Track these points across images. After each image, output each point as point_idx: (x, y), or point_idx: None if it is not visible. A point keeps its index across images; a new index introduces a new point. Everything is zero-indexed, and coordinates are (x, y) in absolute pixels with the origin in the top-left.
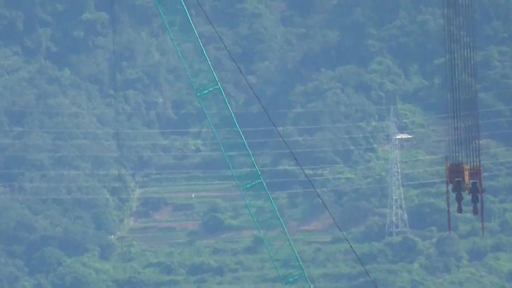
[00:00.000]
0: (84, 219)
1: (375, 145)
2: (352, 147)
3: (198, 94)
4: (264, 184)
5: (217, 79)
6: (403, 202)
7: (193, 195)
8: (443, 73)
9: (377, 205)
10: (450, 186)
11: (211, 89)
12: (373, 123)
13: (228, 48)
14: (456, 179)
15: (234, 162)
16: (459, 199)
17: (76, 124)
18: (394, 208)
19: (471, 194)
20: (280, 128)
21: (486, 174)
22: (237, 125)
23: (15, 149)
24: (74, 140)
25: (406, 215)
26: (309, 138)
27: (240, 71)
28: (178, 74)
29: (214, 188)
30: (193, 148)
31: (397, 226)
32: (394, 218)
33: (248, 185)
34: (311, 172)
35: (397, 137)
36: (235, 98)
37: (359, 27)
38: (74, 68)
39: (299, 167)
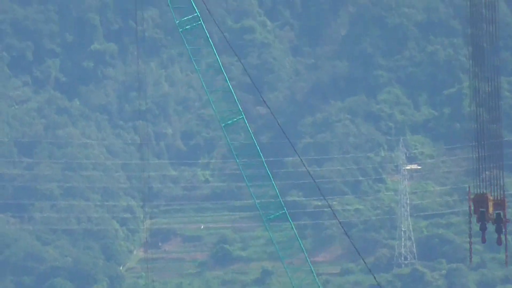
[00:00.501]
0: (94, 250)
1: (384, 176)
2: (361, 178)
3: (223, 125)
4: (288, 214)
5: (241, 109)
6: (412, 233)
7: (202, 226)
8: (452, 104)
9: (386, 237)
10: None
11: (235, 119)
12: (382, 154)
13: (237, 79)
14: (480, 210)
15: (256, 192)
16: (483, 229)
17: (86, 154)
18: (403, 239)
19: (495, 225)
20: (289, 159)
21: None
22: (261, 155)
23: (24, 180)
24: (83, 170)
25: (415, 246)
26: (318, 168)
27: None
28: (187, 105)
29: (223, 219)
30: (202, 179)
31: (406, 258)
32: (403, 250)
33: (272, 216)
34: (319, 203)
35: (406, 168)
36: (244, 128)
37: (368, 58)
38: (83, 98)
39: (308, 198)
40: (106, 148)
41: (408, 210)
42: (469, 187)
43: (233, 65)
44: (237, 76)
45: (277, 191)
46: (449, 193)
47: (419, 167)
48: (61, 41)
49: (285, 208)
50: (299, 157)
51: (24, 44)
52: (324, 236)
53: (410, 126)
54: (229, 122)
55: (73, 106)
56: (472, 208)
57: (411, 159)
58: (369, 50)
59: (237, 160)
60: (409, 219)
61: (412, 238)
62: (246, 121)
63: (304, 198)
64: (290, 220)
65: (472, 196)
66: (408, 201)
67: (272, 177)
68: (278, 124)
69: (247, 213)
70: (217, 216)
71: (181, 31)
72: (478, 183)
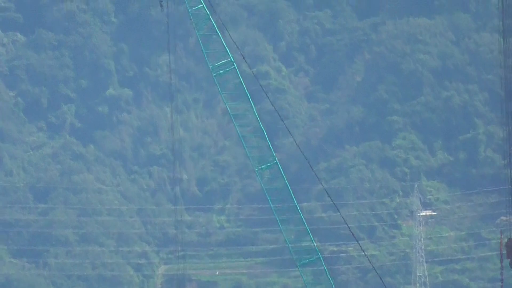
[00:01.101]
0: None
1: (399, 222)
2: (376, 224)
3: (256, 169)
4: (322, 258)
5: (274, 155)
6: (427, 279)
7: (218, 272)
8: (467, 149)
9: (401, 282)
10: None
11: (269, 164)
12: (397, 200)
13: (252, 125)
14: None
15: (290, 236)
16: None
17: (100, 200)
18: (418, 285)
19: None
20: (303, 204)
21: None
22: (294, 199)
23: (39, 226)
24: (98, 216)
25: None
26: (333, 214)
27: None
28: (202, 151)
29: (239, 265)
30: (217, 224)
31: None
32: None
33: (306, 260)
34: (335, 249)
35: (421, 213)
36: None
37: (383, 103)
38: (98, 144)
39: (323, 243)
40: (121, 194)
41: (423, 255)
42: (501, 231)
43: (248, 110)
44: (252, 122)
45: (311, 235)
46: (464, 239)
47: (434, 213)
48: (76, 87)
49: (319, 253)
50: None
51: (39, 89)
52: (340, 281)
53: (425, 171)
54: (262, 166)
55: (88, 152)
56: (504, 252)
57: (426, 205)
58: (384, 95)
59: (272, 205)
60: (424, 264)
61: (427, 283)
62: (280, 165)
63: (319, 243)
64: (323, 264)
65: (504, 241)
66: (423, 247)
67: (287, 222)
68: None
69: (262, 259)
70: (232, 262)
71: (214, 75)
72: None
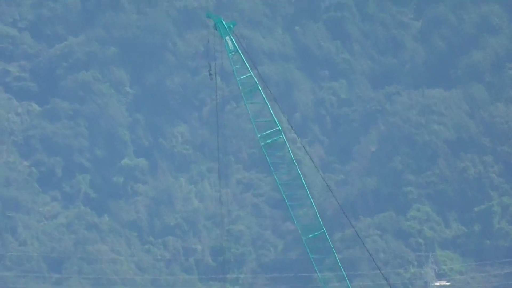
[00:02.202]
0: None
1: None
2: None
3: (304, 238)
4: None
5: (322, 224)
6: None
7: None
8: (482, 221)
9: None
10: None
11: (316, 233)
12: (412, 270)
13: (267, 194)
14: None
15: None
16: None
17: (115, 270)
18: None
19: None
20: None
21: None
22: (342, 269)
23: None
24: (112, 286)
25: None
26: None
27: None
28: (216, 220)
29: None
30: None
31: None
32: None
33: None
34: None
35: (436, 284)
36: (273, 244)
37: (398, 174)
38: (113, 214)
39: None
40: (135, 264)
41: None
42: None
43: (262, 180)
44: (266, 191)
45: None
46: None
47: (449, 283)
48: (91, 157)
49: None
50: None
51: (53, 159)
52: None
53: (440, 242)
54: (310, 235)
55: (102, 222)
56: None
57: (440, 276)
58: (399, 166)
59: (319, 276)
60: None
61: None
62: (327, 235)
63: None
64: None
65: None
66: None
67: None
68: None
69: None
70: None
71: (262, 145)
72: None
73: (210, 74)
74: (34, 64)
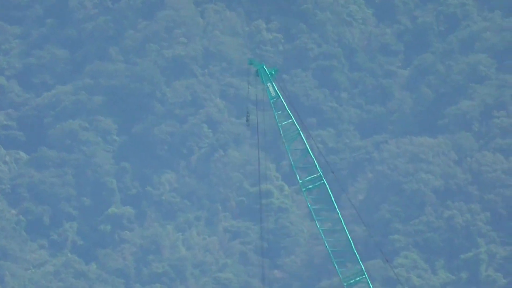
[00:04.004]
0: None
1: None
2: None
3: (345, 284)
4: (368, 278)
5: (363, 268)
6: None
7: None
8: (469, 268)
9: None
10: None
11: (358, 278)
12: None
13: (254, 243)
14: None
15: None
16: None
17: None
18: None
19: None
20: None
21: None
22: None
23: None
24: None
25: None
26: None
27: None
28: (203, 268)
29: None
30: None
31: None
32: None
33: (352, 280)
34: None
35: None
36: None
37: (385, 223)
38: (100, 262)
39: None
40: None
41: None
42: None
43: (249, 229)
44: (254, 239)
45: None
46: None
47: None
48: (78, 205)
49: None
50: None
51: (40, 208)
52: None
53: None
54: (351, 281)
55: (90, 270)
56: None
57: None
58: (386, 215)
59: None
60: None
61: None
62: (369, 281)
63: None
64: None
65: None
66: None
67: None
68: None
69: None
70: None
71: (304, 190)
72: None
73: (247, 120)
74: (22, 113)
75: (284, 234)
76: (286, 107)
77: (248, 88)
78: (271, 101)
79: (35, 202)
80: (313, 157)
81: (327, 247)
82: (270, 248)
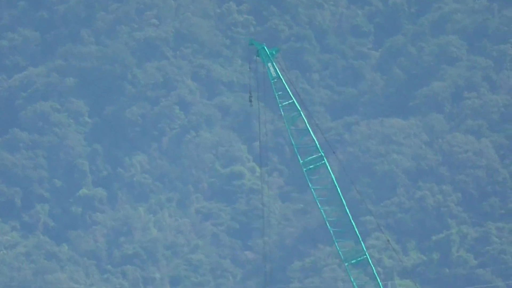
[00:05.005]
0: None
1: None
2: None
3: (346, 264)
4: (369, 257)
5: (365, 249)
6: None
7: None
8: (440, 249)
9: None
10: None
11: (359, 258)
12: None
13: (226, 224)
14: None
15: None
16: None
17: None
18: None
19: None
20: None
21: None
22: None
23: None
24: None
25: None
26: None
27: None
28: (175, 250)
29: None
30: None
31: None
32: None
33: (354, 260)
34: None
35: None
36: (232, 273)
37: (357, 204)
38: (72, 243)
39: None
40: None
41: None
42: None
43: (221, 210)
44: (226, 221)
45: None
46: None
47: None
48: (50, 187)
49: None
50: None
51: (12, 190)
52: None
53: (399, 271)
54: (353, 261)
55: (61, 251)
56: None
57: None
58: (357, 196)
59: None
60: None
61: None
62: (370, 260)
63: None
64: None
65: None
66: None
67: None
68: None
69: None
70: None
71: (305, 170)
72: None
73: (250, 101)
74: None
75: (256, 215)
76: (287, 87)
77: (250, 69)
78: (272, 81)
79: (7, 184)
80: (314, 137)
81: (330, 230)
82: (242, 229)
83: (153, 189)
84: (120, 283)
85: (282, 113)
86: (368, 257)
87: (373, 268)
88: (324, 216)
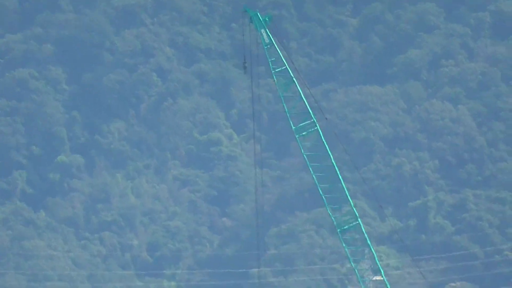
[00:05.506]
0: None
1: (349, 287)
2: None
3: (338, 230)
4: (361, 223)
5: (357, 215)
6: None
7: None
8: (417, 216)
9: None
10: None
11: (352, 224)
12: (348, 265)
13: (204, 191)
14: None
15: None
16: None
17: (51, 266)
18: None
19: None
20: (254, 270)
21: None
22: (378, 262)
23: None
24: (49, 282)
25: None
26: (284, 279)
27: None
28: (153, 216)
29: None
30: None
31: None
32: None
33: (346, 226)
34: None
35: (372, 279)
36: (210, 240)
37: (334, 171)
38: (49, 210)
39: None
40: (72, 260)
41: None
42: None
43: (198, 177)
44: (203, 188)
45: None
46: None
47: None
48: (27, 153)
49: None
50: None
51: None
52: None
53: (376, 238)
54: (345, 227)
55: (39, 218)
56: None
57: (376, 271)
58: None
59: (354, 267)
60: None
61: None
62: (362, 225)
63: None
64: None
65: None
66: None
67: None
68: None
69: None
70: None
71: (297, 137)
72: None
73: (245, 67)
74: None
75: (233, 182)
76: (280, 54)
77: (243, 35)
78: (265, 47)
79: None
80: (307, 104)
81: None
82: (219, 196)
83: (130, 156)
84: (97, 250)
85: (275, 79)
86: (361, 222)
87: (365, 233)
88: (317, 182)
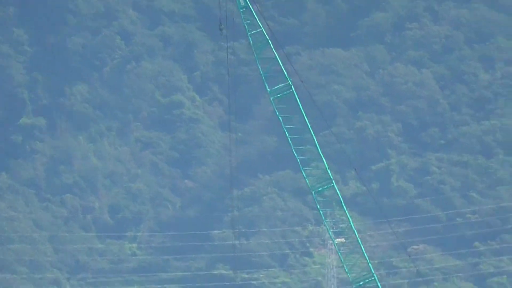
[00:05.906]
0: None
1: (311, 250)
2: (288, 251)
3: (313, 192)
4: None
5: (331, 177)
6: None
7: None
8: (380, 179)
9: None
10: None
11: (326, 186)
12: (310, 228)
13: (166, 153)
14: None
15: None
16: None
17: (13, 228)
18: None
19: None
20: (215, 232)
21: (420, 279)
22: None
23: None
24: (10, 244)
25: None
26: (245, 242)
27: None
28: (114, 179)
29: None
30: (129, 252)
31: None
32: None
33: (320, 188)
34: (246, 276)
35: (336, 241)
36: (172, 202)
37: (297, 133)
38: (11, 172)
39: (235, 271)
40: (33, 221)
41: (335, 283)
42: None
43: (161, 139)
44: (165, 150)
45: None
46: (376, 267)
47: (345, 241)
48: None
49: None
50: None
51: None
52: None
53: (338, 201)
54: (319, 189)
55: (0, 180)
56: None
57: (338, 233)
58: (297, 126)
59: (328, 229)
60: None
61: None
62: (337, 189)
63: (231, 271)
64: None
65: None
66: (335, 275)
67: (198, 251)
68: None
69: (174, 286)
70: None
71: (272, 99)
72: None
73: (220, 30)
74: None
75: (196, 144)
76: (256, 16)
77: (220, 2)
78: (241, 10)
79: None
80: (282, 66)
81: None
82: (181, 159)
83: (93, 118)
84: (59, 212)
85: (251, 41)
86: (335, 185)
87: (340, 196)
88: (291, 144)
